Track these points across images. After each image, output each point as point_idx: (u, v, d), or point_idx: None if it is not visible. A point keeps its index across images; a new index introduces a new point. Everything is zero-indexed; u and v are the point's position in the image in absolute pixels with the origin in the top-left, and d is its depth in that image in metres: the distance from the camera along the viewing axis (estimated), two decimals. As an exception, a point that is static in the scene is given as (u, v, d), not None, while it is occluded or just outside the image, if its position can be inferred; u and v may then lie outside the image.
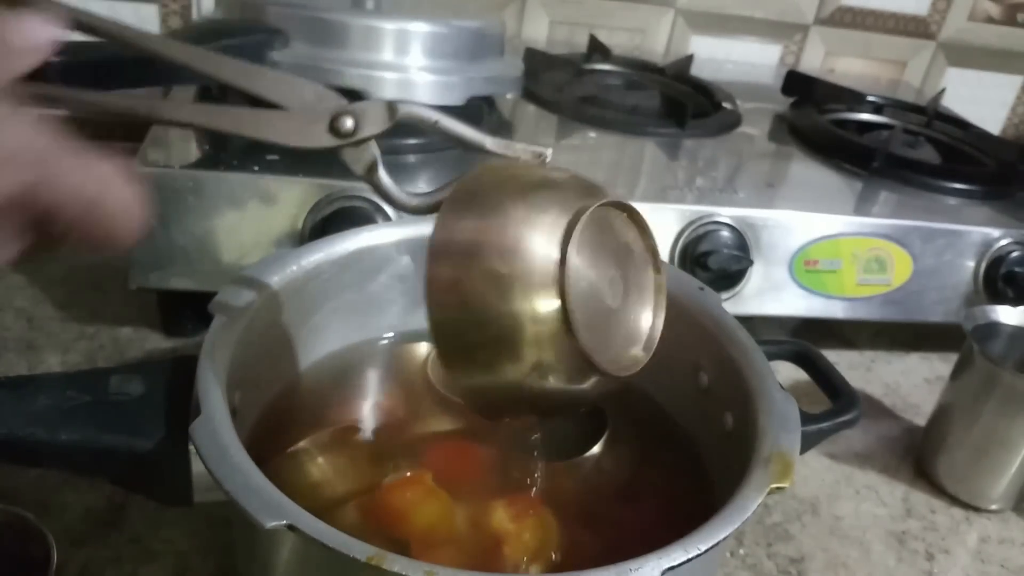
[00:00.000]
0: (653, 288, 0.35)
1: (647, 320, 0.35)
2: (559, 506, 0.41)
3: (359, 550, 0.28)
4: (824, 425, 0.43)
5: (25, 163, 0.24)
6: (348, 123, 0.31)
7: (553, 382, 0.31)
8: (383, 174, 0.32)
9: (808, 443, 0.41)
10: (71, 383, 0.38)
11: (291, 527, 0.29)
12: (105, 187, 0.26)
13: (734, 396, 0.41)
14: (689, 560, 0.30)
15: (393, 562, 0.28)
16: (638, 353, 0.34)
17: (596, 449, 0.44)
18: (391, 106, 0.32)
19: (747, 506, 0.33)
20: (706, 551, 0.30)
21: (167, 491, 0.37)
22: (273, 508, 0.30)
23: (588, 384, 0.33)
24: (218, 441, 0.32)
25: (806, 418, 0.41)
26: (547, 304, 0.30)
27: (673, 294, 0.46)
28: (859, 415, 0.44)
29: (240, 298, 0.41)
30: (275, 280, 0.43)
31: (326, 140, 0.31)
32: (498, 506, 0.39)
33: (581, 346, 0.30)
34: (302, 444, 0.42)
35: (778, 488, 0.34)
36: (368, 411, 0.48)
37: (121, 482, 0.38)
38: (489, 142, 0.33)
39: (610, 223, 0.33)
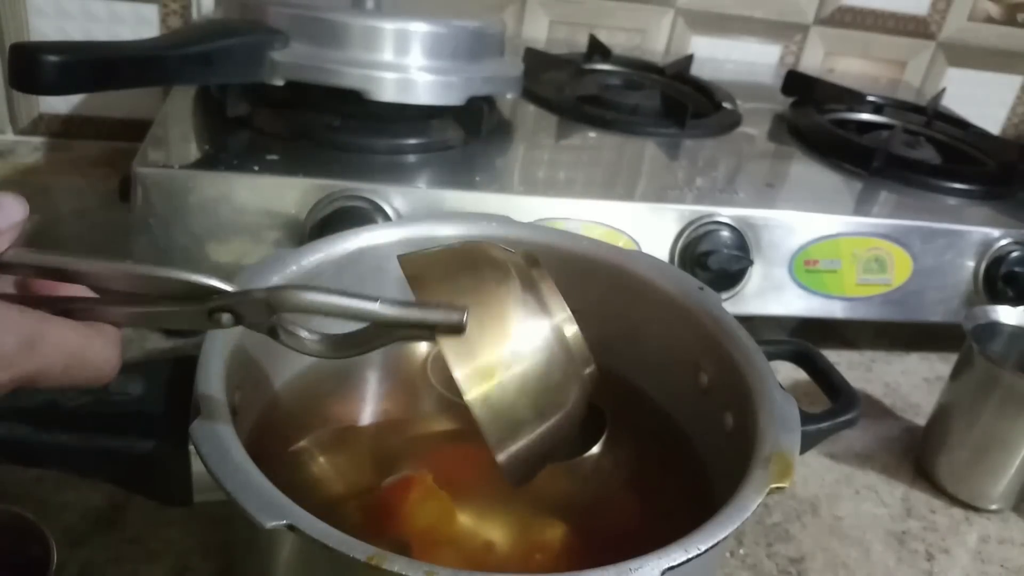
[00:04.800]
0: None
1: None
2: (559, 507, 0.41)
3: (359, 550, 0.28)
4: (824, 425, 0.43)
5: (18, 358, 0.25)
6: (225, 318, 0.29)
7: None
8: (284, 334, 0.30)
9: (808, 443, 0.41)
10: (70, 383, 0.38)
11: (291, 527, 0.29)
12: (84, 342, 0.28)
13: (734, 396, 0.41)
14: (689, 560, 0.30)
15: (393, 562, 0.28)
16: None
17: (595, 449, 0.44)
18: (269, 302, 0.29)
19: (747, 506, 0.32)
20: (706, 551, 0.30)
21: (167, 491, 0.37)
22: (273, 508, 0.29)
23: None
24: (218, 441, 0.32)
25: (806, 418, 0.41)
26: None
27: (673, 294, 0.47)
28: (859, 415, 0.44)
29: None
30: (275, 280, 0.43)
31: (219, 326, 0.30)
32: (560, 525, 0.39)
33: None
34: (303, 444, 0.42)
35: (778, 488, 0.33)
36: (369, 411, 0.48)
37: (121, 482, 0.38)
38: (380, 307, 0.29)
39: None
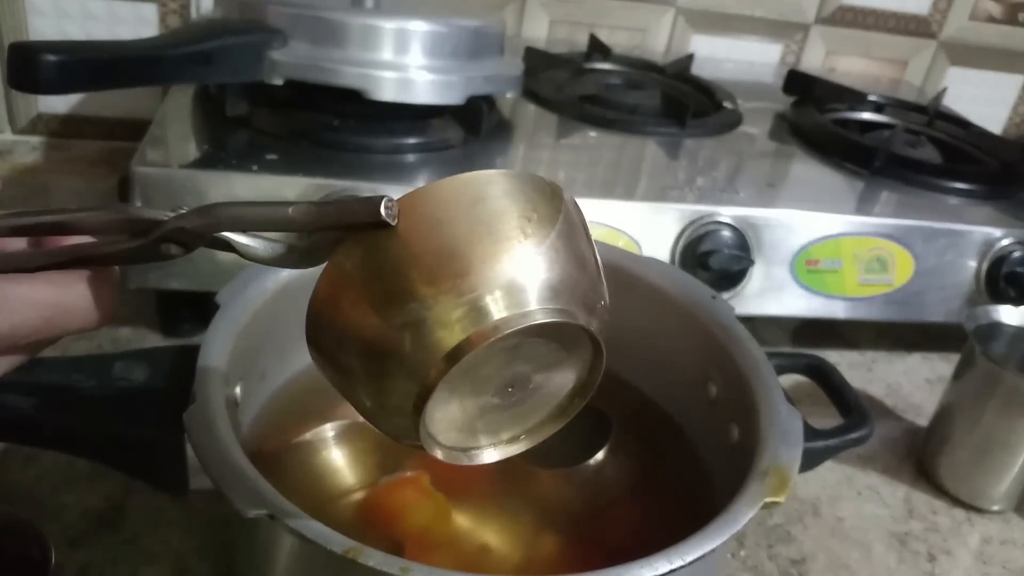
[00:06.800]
0: (559, 416, 0.30)
1: (517, 437, 0.30)
2: (560, 513, 0.41)
3: (337, 543, 0.28)
4: (832, 442, 0.42)
5: None
6: (174, 249, 0.29)
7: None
8: (241, 243, 0.29)
9: (815, 459, 0.41)
10: (77, 367, 0.38)
11: (272, 516, 0.29)
12: (61, 291, 0.28)
13: (741, 408, 0.41)
14: (673, 571, 0.29)
15: (369, 557, 0.28)
16: (480, 455, 0.30)
17: (600, 456, 0.43)
18: (196, 226, 0.28)
19: (738, 519, 0.32)
20: (691, 562, 0.30)
21: (164, 477, 0.38)
22: (256, 497, 0.30)
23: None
24: (210, 429, 0.33)
25: (814, 434, 0.40)
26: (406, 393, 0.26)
27: (684, 302, 0.47)
28: (869, 433, 0.43)
29: (247, 290, 0.41)
30: (284, 274, 0.43)
31: (170, 256, 0.30)
32: (558, 532, 0.39)
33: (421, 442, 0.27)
34: (305, 438, 0.42)
35: (773, 503, 0.33)
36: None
37: (120, 467, 0.38)
38: (292, 211, 0.27)
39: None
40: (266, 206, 0.28)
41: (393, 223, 0.25)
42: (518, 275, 0.25)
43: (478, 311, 0.25)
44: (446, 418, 0.27)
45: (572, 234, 0.28)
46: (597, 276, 0.28)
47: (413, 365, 0.25)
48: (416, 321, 0.25)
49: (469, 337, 0.25)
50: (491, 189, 0.26)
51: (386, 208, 0.25)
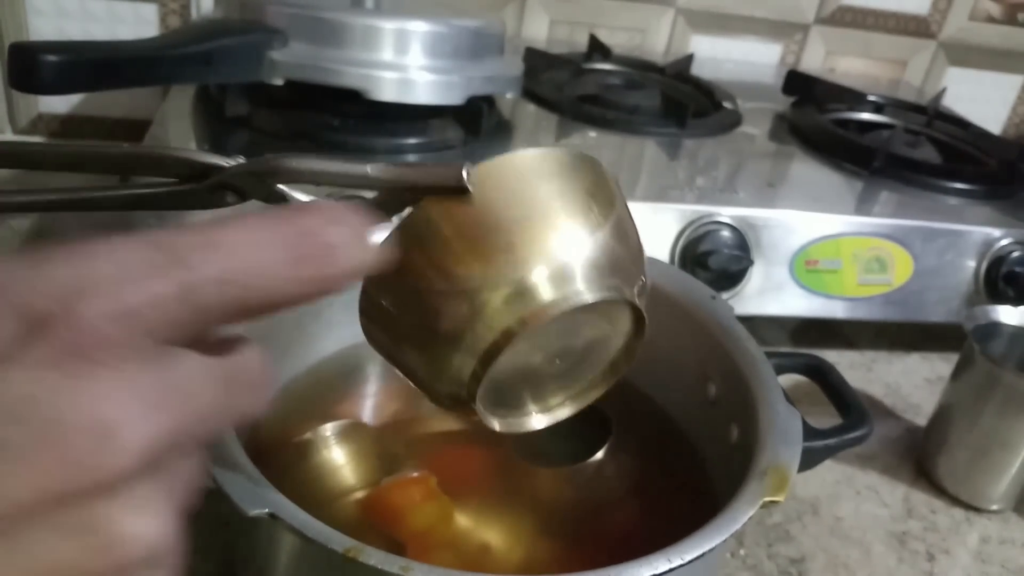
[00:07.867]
0: (599, 384, 0.32)
1: (561, 403, 0.31)
2: (561, 513, 0.41)
3: (338, 542, 0.28)
4: (831, 442, 0.42)
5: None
6: (230, 197, 0.29)
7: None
8: (296, 201, 0.29)
9: (814, 459, 0.41)
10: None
11: (272, 515, 0.29)
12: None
13: (740, 408, 0.41)
14: (672, 569, 0.30)
15: (370, 556, 0.28)
16: (528, 422, 0.31)
17: (599, 455, 0.43)
18: (264, 173, 0.28)
19: (738, 518, 0.32)
20: (690, 561, 0.30)
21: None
22: (257, 496, 0.30)
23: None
24: None
25: (813, 433, 0.40)
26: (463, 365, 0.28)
27: (684, 302, 0.47)
28: (869, 433, 0.43)
29: None
30: None
31: (224, 204, 0.29)
32: (560, 533, 0.39)
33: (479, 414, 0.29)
34: (307, 437, 0.42)
35: (772, 502, 0.33)
36: (378, 409, 0.48)
37: None
38: (371, 169, 0.27)
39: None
40: (341, 162, 0.28)
41: (472, 190, 0.26)
42: (578, 254, 0.27)
43: (537, 288, 0.26)
44: (498, 386, 0.29)
45: (623, 214, 0.30)
46: (639, 251, 0.30)
47: (479, 333, 0.27)
48: (487, 289, 0.26)
49: (531, 313, 0.26)
50: (558, 167, 0.28)
51: (468, 173, 0.26)
